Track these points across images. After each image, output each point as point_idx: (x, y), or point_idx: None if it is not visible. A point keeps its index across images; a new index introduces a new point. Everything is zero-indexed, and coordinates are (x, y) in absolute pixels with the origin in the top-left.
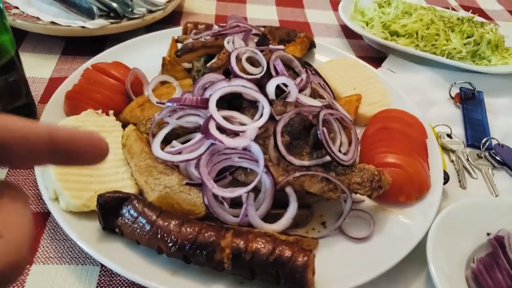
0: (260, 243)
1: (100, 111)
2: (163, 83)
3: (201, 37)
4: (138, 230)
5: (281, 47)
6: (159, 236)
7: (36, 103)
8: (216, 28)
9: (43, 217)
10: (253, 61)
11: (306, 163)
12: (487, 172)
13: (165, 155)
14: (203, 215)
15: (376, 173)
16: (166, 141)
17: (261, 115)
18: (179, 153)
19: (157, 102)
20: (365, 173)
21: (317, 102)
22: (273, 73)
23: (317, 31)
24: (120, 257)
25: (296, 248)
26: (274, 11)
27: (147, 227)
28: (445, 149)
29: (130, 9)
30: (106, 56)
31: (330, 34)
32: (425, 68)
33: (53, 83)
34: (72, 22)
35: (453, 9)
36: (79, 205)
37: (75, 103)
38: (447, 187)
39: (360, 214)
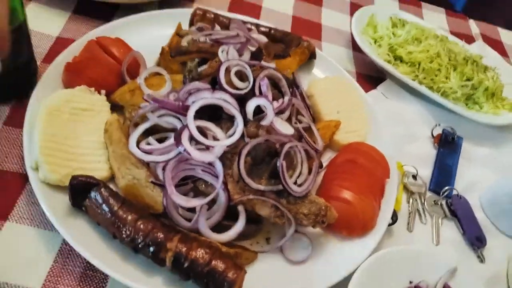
0: (200, 253)
1: (93, 89)
2: (157, 72)
3: (198, 39)
4: (100, 214)
5: (272, 65)
6: (115, 225)
7: (39, 62)
8: (218, 28)
9: (24, 179)
10: (241, 74)
11: (262, 187)
12: (436, 220)
13: (138, 152)
14: (160, 213)
15: (323, 208)
16: (146, 132)
17: (234, 132)
18: (151, 152)
19: (144, 97)
20: (314, 206)
21: (289, 128)
22: (257, 92)
23: (327, 36)
24: (80, 234)
25: (229, 264)
26: (291, 5)
27: (108, 215)
28: (406, 189)
29: None
30: (114, 28)
31: (338, 42)
32: (417, 100)
33: (59, 44)
34: None
35: (471, 38)
36: (55, 179)
37: (72, 77)
38: (395, 227)
39: (300, 237)
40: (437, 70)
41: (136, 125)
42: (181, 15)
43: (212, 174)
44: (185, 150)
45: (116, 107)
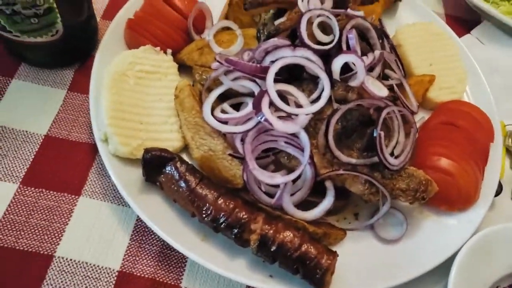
0: (288, 236)
1: (158, 48)
2: (225, 27)
3: None
4: (176, 192)
5: (360, 13)
6: (195, 204)
7: (98, 19)
8: None
9: (93, 149)
10: (325, 26)
11: (353, 160)
12: None
13: (213, 122)
14: (241, 187)
15: (423, 182)
16: (220, 97)
17: (319, 96)
18: (227, 121)
19: (216, 58)
20: (412, 180)
21: (383, 89)
22: (344, 46)
23: None
24: (155, 212)
25: (321, 249)
26: None
27: (186, 192)
28: (510, 152)
29: None
30: None
31: None
32: None
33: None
34: None
35: None
36: (127, 152)
37: (135, 35)
38: (497, 197)
39: (394, 212)
40: None
41: (209, 89)
42: None
43: (296, 146)
44: (266, 119)
45: (183, 67)
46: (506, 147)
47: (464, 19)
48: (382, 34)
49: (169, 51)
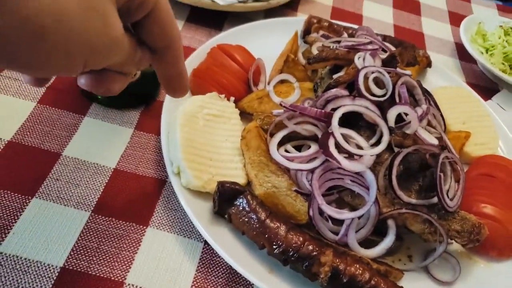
0: (358, 269)
1: (223, 96)
2: (283, 81)
3: (332, 47)
4: (246, 224)
5: (408, 72)
6: (266, 235)
7: None
8: (345, 36)
9: (160, 184)
10: (378, 82)
11: (413, 201)
12: None
13: (281, 159)
14: (303, 223)
15: (477, 225)
16: (281, 141)
17: (378, 141)
18: (293, 160)
19: (280, 104)
20: (466, 223)
21: (433, 138)
22: (397, 99)
23: (430, 45)
24: (224, 241)
25: (390, 283)
26: (390, 13)
27: (256, 224)
28: None
29: None
30: (229, 36)
31: (443, 51)
32: None
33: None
34: None
35: None
36: (198, 185)
37: (201, 83)
38: None
39: (447, 256)
40: None
41: (271, 134)
42: (293, 24)
43: (362, 185)
44: (334, 159)
45: (243, 115)
46: None
47: (483, 87)
48: (426, 91)
49: (232, 98)
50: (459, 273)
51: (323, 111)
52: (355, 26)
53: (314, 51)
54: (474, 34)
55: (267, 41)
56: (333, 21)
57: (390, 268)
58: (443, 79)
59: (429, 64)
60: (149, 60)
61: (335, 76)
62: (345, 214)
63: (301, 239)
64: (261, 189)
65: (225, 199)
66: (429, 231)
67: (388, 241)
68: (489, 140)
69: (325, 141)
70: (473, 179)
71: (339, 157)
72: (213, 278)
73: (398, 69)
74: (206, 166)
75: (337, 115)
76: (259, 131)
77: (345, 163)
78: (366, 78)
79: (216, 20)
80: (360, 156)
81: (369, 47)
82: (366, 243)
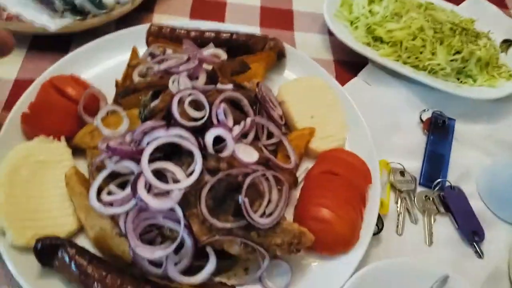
0: None
1: (51, 138)
2: (114, 111)
3: (147, 73)
4: (69, 273)
5: (229, 87)
6: (85, 283)
7: (0, 110)
8: (169, 53)
9: None
10: (197, 103)
11: (228, 225)
12: (428, 218)
13: (97, 206)
14: (131, 262)
15: (297, 235)
16: (111, 176)
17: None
18: (113, 203)
19: (98, 146)
20: (286, 235)
21: (254, 154)
22: (215, 120)
23: (300, 23)
24: None
25: None
26: None
27: (76, 272)
28: (394, 187)
29: (98, 1)
30: (68, 63)
31: (313, 28)
32: (403, 83)
33: (19, 87)
34: (36, 18)
35: None
36: (22, 243)
37: (29, 128)
38: (383, 232)
39: (281, 263)
40: (421, 47)
41: (98, 170)
42: (139, 34)
43: (175, 220)
44: (141, 200)
45: (80, 150)
46: (391, 183)
47: (352, 62)
48: (255, 100)
49: (63, 138)
50: (290, 278)
51: (134, 148)
52: (213, 24)
53: (135, 77)
54: (340, 6)
55: (112, 62)
56: (179, 24)
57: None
58: (302, 67)
59: (280, 54)
60: None
61: (152, 105)
62: (157, 253)
63: (118, 282)
64: (91, 233)
65: (45, 254)
66: (246, 252)
67: (209, 268)
68: (336, 131)
69: (135, 183)
70: (315, 178)
71: (147, 198)
72: None
73: (219, 85)
74: (32, 220)
75: (146, 153)
76: (78, 176)
77: (153, 202)
78: (182, 103)
79: (63, 43)
80: (169, 191)
81: (182, 68)
82: (195, 269)
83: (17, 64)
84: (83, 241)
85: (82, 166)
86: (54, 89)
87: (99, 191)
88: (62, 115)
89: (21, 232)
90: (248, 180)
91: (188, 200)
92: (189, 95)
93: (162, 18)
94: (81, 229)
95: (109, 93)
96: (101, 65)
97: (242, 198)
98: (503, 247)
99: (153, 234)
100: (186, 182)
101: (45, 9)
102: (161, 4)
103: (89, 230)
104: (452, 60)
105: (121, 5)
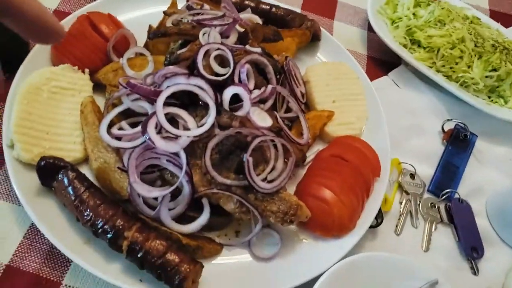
0: (155, 244)
1: (76, 67)
2: (141, 53)
3: (181, 20)
4: (65, 197)
5: (257, 49)
6: (78, 208)
7: None
8: (206, 8)
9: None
10: (223, 60)
11: (228, 181)
12: (430, 224)
13: (106, 137)
14: (127, 199)
15: (294, 207)
16: (124, 115)
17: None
18: (121, 137)
19: (118, 80)
20: (283, 204)
21: (268, 120)
22: (236, 79)
23: (341, 14)
24: (47, 214)
25: (184, 258)
26: None
27: (72, 197)
28: (401, 188)
29: None
30: (109, 3)
31: (354, 21)
32: (431, 90)
33: (58, 17)
34: None
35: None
36: (28, 158)
37: (57, 55)
38: (381, 229)
39: (273, 233)
40: (458, 58)
41: (113, 105)
42: None
43: (177, 165)
44: (149, 138)
45: (100, 87)
46: (399, 183)
47: (385, 61)
48: (281, 70)
49: (87, 70)
50: (279, 249)
51: (152, 89)
52: None
53: (169, 24)
54: (385, 4)
55: (148, 11)
56: None
57: (205, 244)
58: (335, 54)
59: (316, 37)
60: None
61: (179, 52)
62: (154, 192)
63: (110, 213)
64: (95, 164)
65: (46, 173)
66: (240, 211)
67: (202, 219)
68: (355, 120)
69: (146, 121)
70: (324, 160)
71: (155, 137)
72: (38, 245)
73: (248, 47)
74: (41, 139)
75: (164, 95)
76: (94, 106)
77: (160, 143)
78: (208, 55)
79: None
80: (178, 136)
81: (215, 23)
82: (188, 219)
83: None
84: (85, 172)
85: (100, 102)
86: (89, 23)
87: (111, 126)
88: (91, 49)
89: (29, 148)
90: (256, 141)
91: (194, 150)
92: (217, 49)
93: None
94: (85, 160)
95: (142, 38)
96: (140, 10)
97: (246, 157)
98: (500, 270)
99: (154, 175)
100: (196, 131)
101: None
102: None
103: (93, 161)
104: (487, 77)
105: None
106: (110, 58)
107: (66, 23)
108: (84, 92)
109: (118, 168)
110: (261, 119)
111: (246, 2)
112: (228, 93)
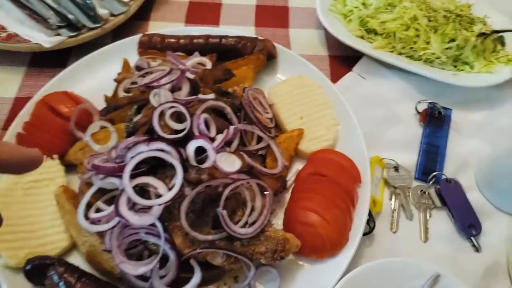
0: None
1: (44, 156)
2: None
3: (129, 89)
4: None
5: (211, 96)
6: None
7: None
8: (154, 64)
9: None
10: (180, 115)
11: (210, 237)
12: (424, 213)
13: (84, 224)
14: (120, 277)
15: (281, 242)
16: (99, 191)
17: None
18: (100, 220)
19: (84, 164)
20: (270, 243)
21: (236, 162)
22: (196, 131)
23: (295, 20)
24: None
25: None
26: None
27: None
28: (388, 184)
29: (92, 13)
30: (63, 80)
31: (308, 24)
32: (398, 75)
33: (19, 105)
34: (33, 36)
35: None
36: (16, 262)
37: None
38: (377, 230)
39: (270, 269)
40: (415, 37)
41: (88, 185)
42: (132, 44)
43: (156, 235)
44: (123, 217)
45: (73, 166)
46: (385, 179)
47: (347, 57)
48: (239, 106)
49: (55, 156)
50: (279, 284)
51: (116, 165)
52: (203, 28)
53: (121, 93)
54: (333, 0)
55: (106, 74)
56: (171, 30)
57: None
58: (294, 66)
59: (270, 56)
60: None
61: (135, 119)
62: (140, 269)
63: None
64: (83, 248)
65: (35, 274)
66: (229, 263)
67: (195, 279)
68: (326, 131)
69: (117, 201)
70: (303, 180)
71: (127, 215)
72: None
73: (200, 95)
74: (25, 240)
75: (128, 169)
76: (68, 194)
77: (133, 219)
78: (163, 115)
79: (60, 57)
80: (151, 207)
81: (164, 81)
82: (185, 279)
83: (17, 82)
84: (77, 257)
85: (76, 182)
86: (47, 108)
87: (90, 206)
88: (55, 133)
89: (14, 254)
90: (226, 191)
91: (171, 212)
92: (170, 107)
93: (157, 26)
94: (74, 246)
95: (104, 104)
96: (96, 78)
97: (219, 210)
98: (501, 240)
99: (140, 248)
100: (167, 196)
101: (41, 27)
102: (156, 11)
103: (80, 245)
104: (447, 48)
105: (115, 16)
106: (75, 136)
107: (27, 111)
108: (58, 178)
109: (103, 250)
110: (230, 163)
111: (195, 41)
112: (191, 147)
